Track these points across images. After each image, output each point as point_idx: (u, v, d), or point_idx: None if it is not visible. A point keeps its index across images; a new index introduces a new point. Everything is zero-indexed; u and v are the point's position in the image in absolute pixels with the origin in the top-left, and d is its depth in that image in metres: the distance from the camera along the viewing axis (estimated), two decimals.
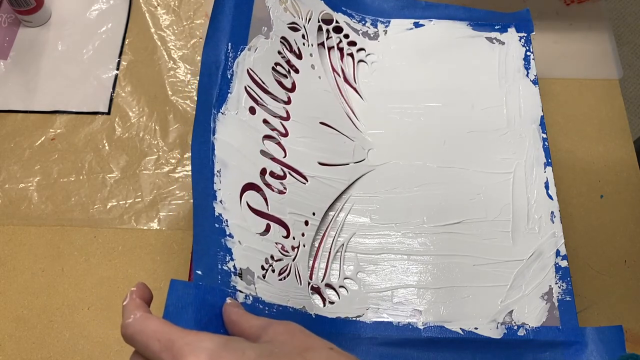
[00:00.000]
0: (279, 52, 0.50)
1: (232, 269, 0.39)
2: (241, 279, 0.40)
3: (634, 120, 1.35)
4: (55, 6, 0.69)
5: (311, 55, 0.54)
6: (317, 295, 0.46)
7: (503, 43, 0.57)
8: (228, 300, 0.37)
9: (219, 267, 0.39)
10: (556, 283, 0.47)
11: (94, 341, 0.52)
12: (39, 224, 0.57)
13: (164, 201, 0.58)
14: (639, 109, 1.37)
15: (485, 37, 0.57)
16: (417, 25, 0.58)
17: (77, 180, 0.59)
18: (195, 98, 0.64)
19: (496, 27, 0.58)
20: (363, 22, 0.58)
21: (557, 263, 0.48)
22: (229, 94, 0.45)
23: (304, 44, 0.53)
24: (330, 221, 0.49)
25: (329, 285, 0.47)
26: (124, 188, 0.59)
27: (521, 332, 0.45)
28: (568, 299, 0.46)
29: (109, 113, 0.63)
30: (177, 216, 0.58)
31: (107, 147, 0.61)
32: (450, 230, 0.49)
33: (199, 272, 0.38)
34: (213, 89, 0.44)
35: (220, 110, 0.44)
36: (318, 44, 0.55)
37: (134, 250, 0.56)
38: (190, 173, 0.60)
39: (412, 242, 0.49)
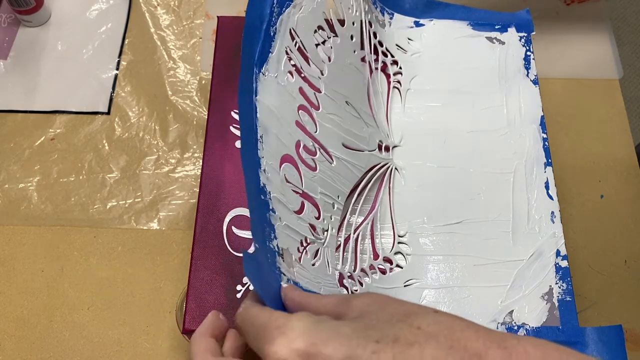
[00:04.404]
0: (324, 14, 0.47)
1: (276, 248, 0.37)
2: (283, 261, 0.37)
3: (634, 120, 1.35)
4: (55, 6, 0.69)
5: (353, 23, 0.50)
6: (342, 287, 0.44)
7: (503, 43, 0.57)
8: (284, 284, 0.35)
9: (267, 244, 0.36)
10: (556, 283, 0.47)
11: (93, 341, 0.52)
12: (38, 224, 0.57)
13: (163, 201, 0.58)
14: (639, 109, 1.37)
15: (486, 37, 0.57)
16: (417, 24, 0.58)
17: (76, 180, 0.59)
18: (196, 98, 0.64)
19: (496, 27, 0.57)
20: (375, 6, 0.55)
21: (557, 263, 0.48)
22: (270, 54, 0.42)
23: (349, 9, 0.49)
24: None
25: (350, 277, 0.46)
26: (123, 188, 0.59)
27: (521, 333, 0.45)
28: (568, 299, 0.46)
29: (108, 113, 0.63)
30: (177, 216, 0.58)
31: (106, 147, 0.61)
32: (450, 230, 0.49)
33: (257, 246, 0.35)
34: (255, 46, 0.41)
35: (262, 71, 0.41)
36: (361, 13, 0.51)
37: (133, 250, 0.56)
38: (189, 173, 0.60)
39: (412, 242, 0.48)
